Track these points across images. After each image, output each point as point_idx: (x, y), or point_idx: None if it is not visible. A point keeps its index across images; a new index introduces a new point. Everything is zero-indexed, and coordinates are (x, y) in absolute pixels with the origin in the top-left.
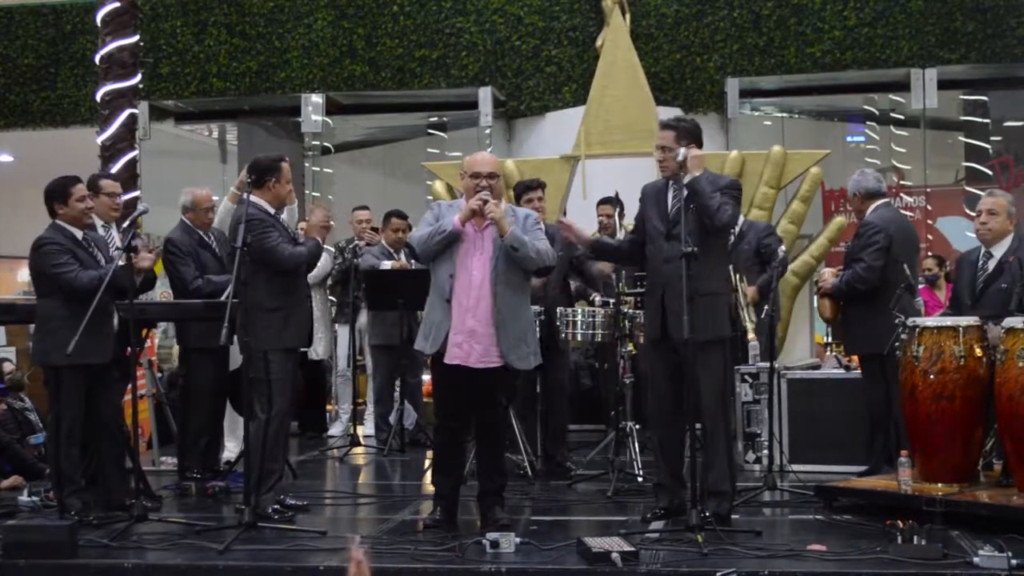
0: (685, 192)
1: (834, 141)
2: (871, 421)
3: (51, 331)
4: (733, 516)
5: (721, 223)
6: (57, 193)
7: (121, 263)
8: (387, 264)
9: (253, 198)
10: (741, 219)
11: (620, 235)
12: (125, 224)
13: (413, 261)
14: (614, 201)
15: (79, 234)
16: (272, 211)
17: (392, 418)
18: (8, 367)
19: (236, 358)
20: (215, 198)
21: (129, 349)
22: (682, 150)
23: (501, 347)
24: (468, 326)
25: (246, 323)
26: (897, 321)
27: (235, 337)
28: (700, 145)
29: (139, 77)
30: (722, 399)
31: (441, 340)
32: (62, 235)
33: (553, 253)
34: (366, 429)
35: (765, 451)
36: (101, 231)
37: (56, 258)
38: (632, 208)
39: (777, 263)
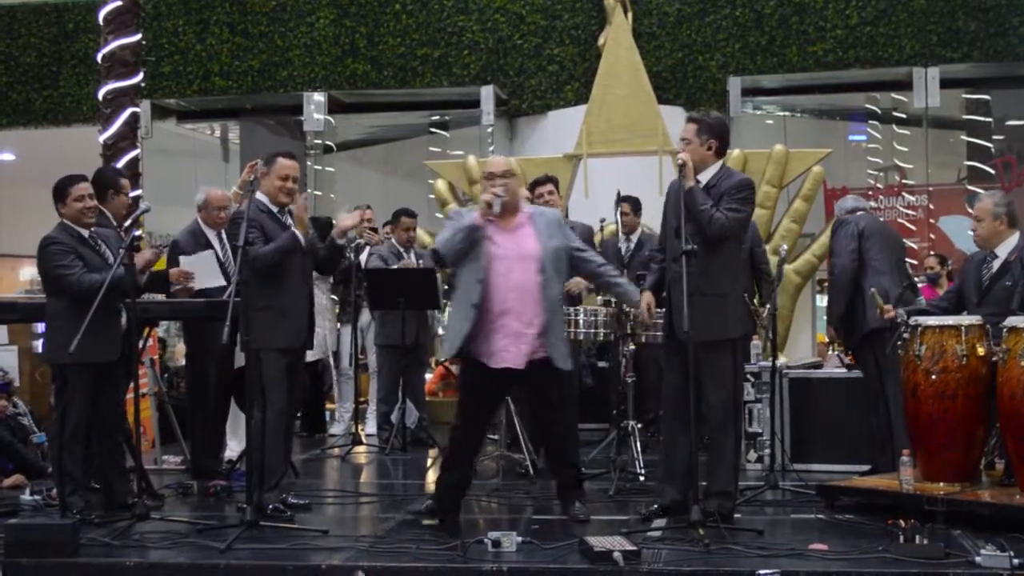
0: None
1: (836, 140)
2: (870, 406)
3: (57, 329)
4: (735, 515)
5: (712, 235)
6: (58, 192)
7: (126, 262)
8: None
9: (257, 195)
10: (639, 231)
11: (620, 236)
12: (127, 223)
13: (420, 261)
14: (631, 200)
15: (86, 232)
16: (273, 208)
17: (394, 417)
18: None
19: (240, 357)
20: (234, 205)
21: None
22: (682, 155)
23: (547, 348)
24: (513, 329)
25: (244, 322)
26: (899, 320)
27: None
28: (725, 143)
29: (141, 76)
30: (731, 401)
31: (458, 344)
32: (68, 234)
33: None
34: (368, 428)
35: (767, 450)
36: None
37: (60, 259)
38: (645, 207)
39: (779, 261)
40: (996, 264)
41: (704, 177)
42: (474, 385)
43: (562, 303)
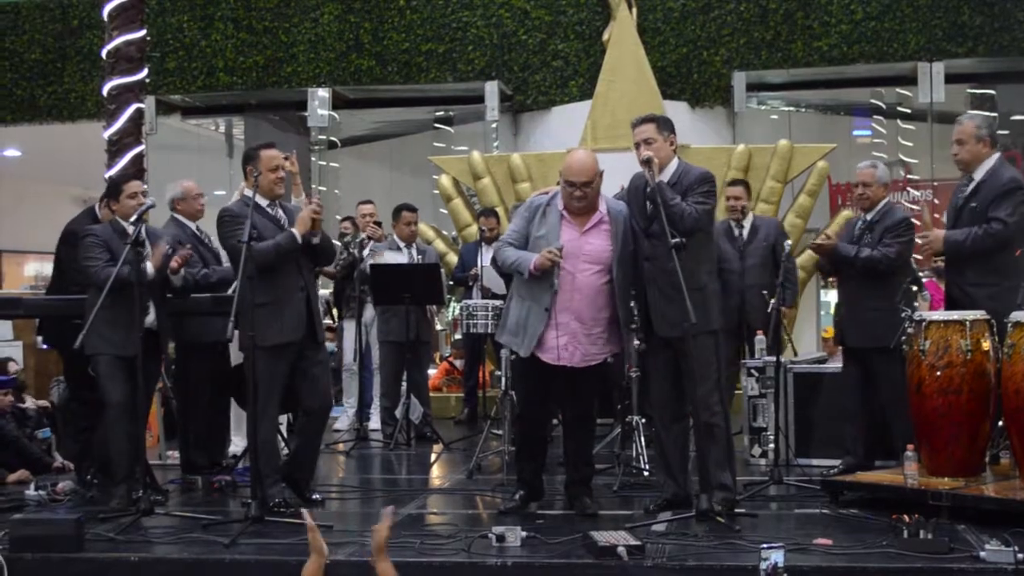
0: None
1: (841, 135)
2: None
3: (91, 321)
4: (738, 510)
5: (686, 229)
6: (112, 191)
7: (150, 263)
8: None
9: (247, 191)
10: (751, 216)
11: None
12: (132, 218)
13: (421, 256)
14: (743, 183)
15: (131, 229)
16: (263, 202)
17: (398, 412)
18: (13, 367)
19: (237, 353)
20: (220, 192)
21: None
22: (647, 152)
23: (606, 346)
24: (572, 328)
25: (242, 319)
26: (904, 315)
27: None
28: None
29: (145, 71)
30: (718, 392)
31: (535, 343)
32: (112, 229)
33: None
34: (372, 423)
35: (771, 445)
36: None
37: (89, 251)
38: None
39: (783, 257)
40: (970, 188)
41: (667, 173)
42: (529, 377)
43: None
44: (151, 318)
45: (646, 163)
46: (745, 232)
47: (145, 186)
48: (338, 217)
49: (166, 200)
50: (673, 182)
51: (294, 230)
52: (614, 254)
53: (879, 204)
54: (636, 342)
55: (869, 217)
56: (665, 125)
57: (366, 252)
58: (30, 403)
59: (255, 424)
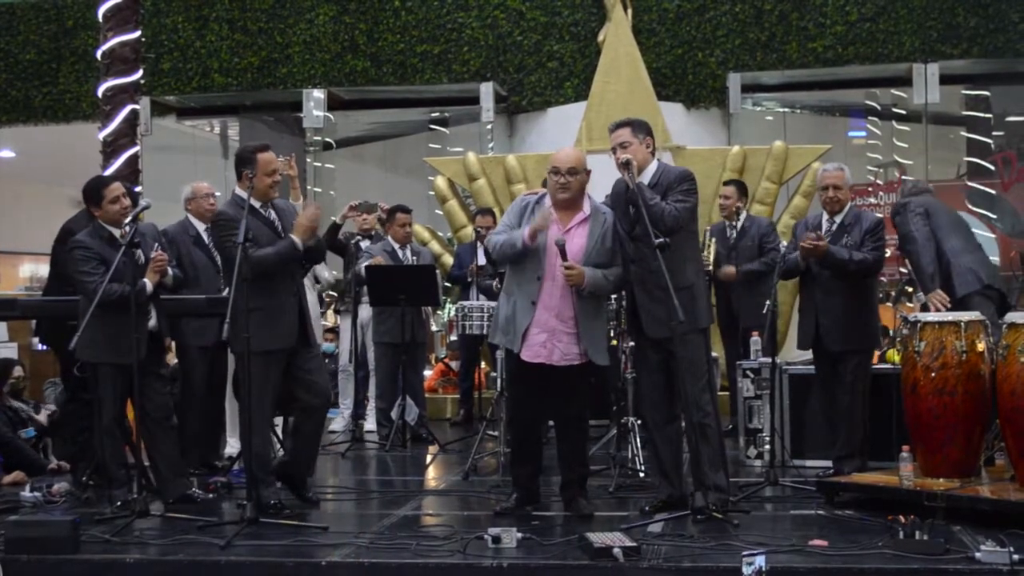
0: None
1: (836, 136)
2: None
3: (85, 327)
4: (731, 511)
5: (668, 228)
6: (91, 194)
7: (148, 282)
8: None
9: (239, 191)
10: (743, 215)
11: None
12: (127, 220)
13: (415, 258)
14: (737, 183)
15: (117, 232)
16: (256, 204)
17: (394, 413)
18: (18, 371)
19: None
20: (217, 193)
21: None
22: (625, 154)
23: (582, 345)
24: (551, 325)
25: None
26: (899, 316)
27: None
28: (653, 142)
29: (140, 73)
30: (708, 390)
31: (519, 341)
32: (97, 237)
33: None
34: (367, 424)
35: (767, 446)
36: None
37: (82, 265)
38: None
39: (780, 258)
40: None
41: (647, 175)
42: (518, 376)
43: (603, 302)
44: (154, 322)
45: (624, 166)
46: (736, 232)
47: (140, 188)
48: (333, 218)
49: (181, 201)
50: (653, 183)
51: (294, 237)
52: (585, 255)
53: (846, 207)
54: (631, 343)
55: (839, 220)
56: (640, 128)
57: (363, 249)
58: (43, 416)
59: (250, 426)
